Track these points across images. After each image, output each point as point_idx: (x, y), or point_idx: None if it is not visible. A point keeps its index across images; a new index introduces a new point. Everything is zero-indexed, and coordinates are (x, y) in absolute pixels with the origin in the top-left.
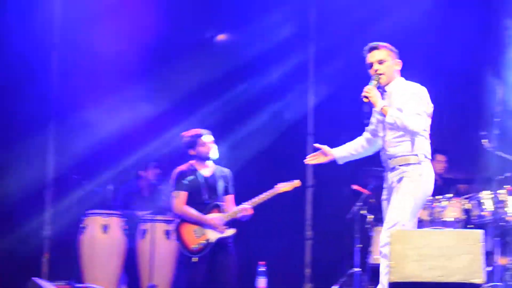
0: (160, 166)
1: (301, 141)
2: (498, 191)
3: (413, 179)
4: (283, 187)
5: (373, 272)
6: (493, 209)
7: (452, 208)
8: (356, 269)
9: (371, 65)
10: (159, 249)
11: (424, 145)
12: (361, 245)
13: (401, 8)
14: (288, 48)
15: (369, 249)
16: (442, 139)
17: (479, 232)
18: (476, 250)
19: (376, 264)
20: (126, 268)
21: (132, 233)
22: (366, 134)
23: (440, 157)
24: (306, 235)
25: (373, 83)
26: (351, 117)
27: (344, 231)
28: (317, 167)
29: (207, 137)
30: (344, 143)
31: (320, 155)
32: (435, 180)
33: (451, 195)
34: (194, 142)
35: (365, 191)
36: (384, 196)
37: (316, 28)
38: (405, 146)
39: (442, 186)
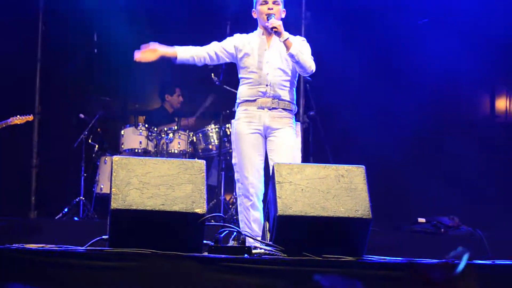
0: None
1: (30, 69)
2: (225, 125)
3: (293, 129)
4: (16, 120)
5: (98, 201)
6: (218, 143)
7: (178, 141)
8: (81, 198)
9: (265, 2)
10: None
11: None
12: (86, 174)
13: None
14: None
15: (95, 178)
16: (180, 73)
17: (202, 162)
18: (198, 180)
19: (101, 193)
20: None
21: None
22: (211, 51)
23: (178, 91)
24: (32, 163)
25: (273, 18)
26: (80, 46)
27: (71, 160)
28: (44, 95)
29: None
30: (73, 71)
31: (149, 52)
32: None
33: (176, 127)
34: None
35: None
36: (249, 131)
37: None
38: (288, 92)
39: (171, 119)
